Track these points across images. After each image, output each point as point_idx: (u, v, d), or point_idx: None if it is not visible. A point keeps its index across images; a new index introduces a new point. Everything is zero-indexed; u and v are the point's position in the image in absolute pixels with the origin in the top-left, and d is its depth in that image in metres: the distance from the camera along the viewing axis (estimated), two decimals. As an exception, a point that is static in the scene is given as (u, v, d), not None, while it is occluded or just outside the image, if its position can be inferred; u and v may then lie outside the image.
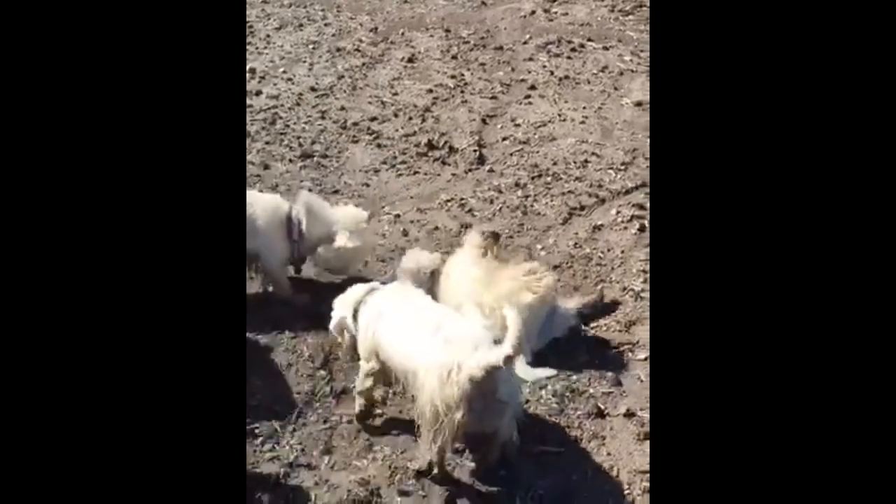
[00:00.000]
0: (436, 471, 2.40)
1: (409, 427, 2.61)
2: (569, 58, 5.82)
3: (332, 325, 2.71)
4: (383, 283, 2.83)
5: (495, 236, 3.12)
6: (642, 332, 3.05)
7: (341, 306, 2.68)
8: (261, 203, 3.16)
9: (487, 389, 2.16)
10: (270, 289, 3.28)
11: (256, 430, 2.62)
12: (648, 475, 2.41)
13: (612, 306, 3.22)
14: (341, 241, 3.15)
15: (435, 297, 2.86)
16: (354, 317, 2.61)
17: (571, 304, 3.09)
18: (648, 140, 4.51)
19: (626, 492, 2.36)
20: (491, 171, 4.28)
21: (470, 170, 4.32)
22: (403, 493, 2.39)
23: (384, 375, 2.53)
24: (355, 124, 4.80)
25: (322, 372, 2.90)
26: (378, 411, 2.69)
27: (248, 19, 6.59)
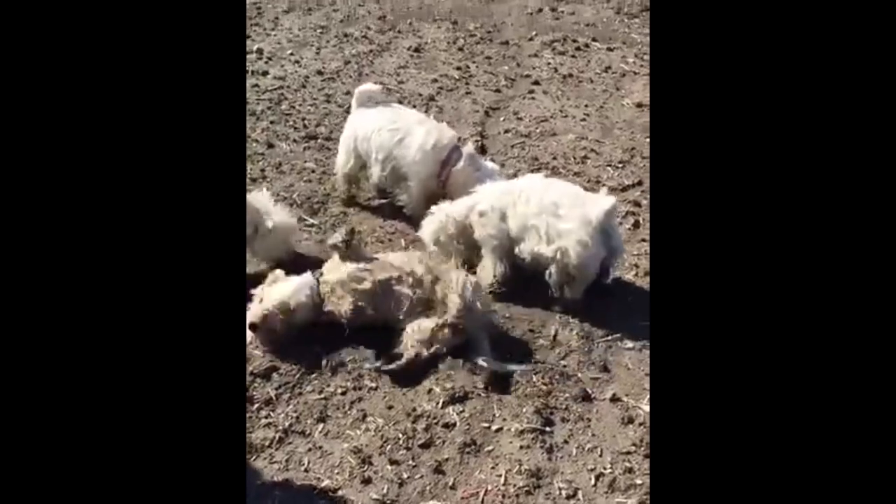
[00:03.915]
0: None
1: (401, 400, 2.71)
2: (573, 56, 5.91)
3: None
4: None
5: None
6: (632, 322, 3.15)
7: None
8: None
9: None
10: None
11: (254, 397, 2.70)
12: (630, 456, 2.51)
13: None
14: (267, 225, 3.27)
15: None
16: None
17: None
18: (647, 140, 4.60)
19: (609, 471, 2.45)
20: (492, 161, 4.36)
21: (471, 159, 4.39)
22: (394, 463, 2.47)
23: None
24: (360, 109, 4.86)
25: (318, 347, 2.98)
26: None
27: (257, 0, 6.64)
